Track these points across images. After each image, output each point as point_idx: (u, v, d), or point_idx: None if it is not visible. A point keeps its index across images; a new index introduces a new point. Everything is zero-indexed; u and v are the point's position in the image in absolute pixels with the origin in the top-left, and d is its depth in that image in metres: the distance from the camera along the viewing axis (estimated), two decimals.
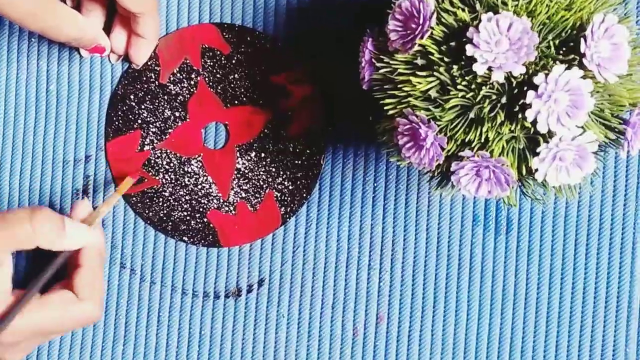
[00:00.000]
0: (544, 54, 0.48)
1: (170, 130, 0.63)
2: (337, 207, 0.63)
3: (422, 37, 0.49)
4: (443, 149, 0.49)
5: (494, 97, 0.48)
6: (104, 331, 0.64)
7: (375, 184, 0.62)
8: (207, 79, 0.63)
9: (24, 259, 0.64)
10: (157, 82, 0.63)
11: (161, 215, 0.63)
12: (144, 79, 0.63)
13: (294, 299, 0.63)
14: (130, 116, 0.63)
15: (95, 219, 0.58)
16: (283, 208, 0.63)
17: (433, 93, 0.49)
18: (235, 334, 0.63)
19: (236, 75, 0.63)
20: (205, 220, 0.63)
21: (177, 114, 0.63)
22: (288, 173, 0.63)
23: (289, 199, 0.63)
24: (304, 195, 0.63)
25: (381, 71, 0.51)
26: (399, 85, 0.50)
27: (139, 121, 0.63)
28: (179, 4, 0.63)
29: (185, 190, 0.63)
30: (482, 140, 0.49)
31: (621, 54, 0.48)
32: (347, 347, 0.62)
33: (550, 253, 0.61)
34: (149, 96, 0.63)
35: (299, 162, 0.63)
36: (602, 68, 0.48)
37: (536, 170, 0.49)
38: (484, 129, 0.48)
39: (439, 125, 0.49)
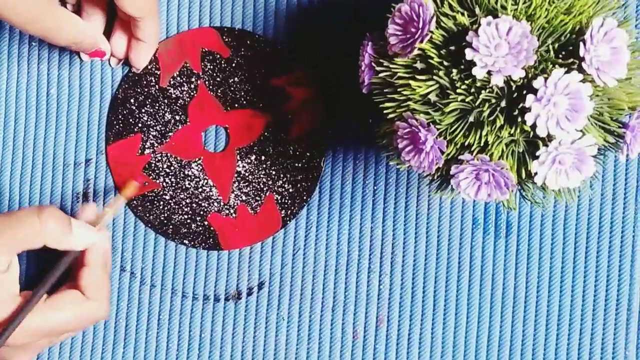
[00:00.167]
0: (543, 57, 0.48)
1: (170, 134, 0.63)
2: (337, 210, 0.63)
3: (421, 41, 0.49)
4: (442, 153, 0.49)
5: (493, 100, 0.48)
6: (104, 334, 0.64)
7: (375, 187, 0.62)
8: (207, 82, 0.63)
9: (32, 261, 0.64)
10: (157, 86, 0.63)
11: (162, 218, 0.63)
12: (144, 82, 0.63)
13: (294, 301, 0.63)
14: (131, 120, 0.63)
15: (101, 221, 0.59)
16: (283, 211, 0.63)
17: (433, 97, 0.49)
18: (235, 336, 0.63)
19: (236, 79, 0.63)
20: (205, 223, 0.63)
21: (177, 117, 0.63)
22: (288, 176, 0.63)
23: (289, 201, 0.63)
24: (304, 198, 0.63)
25: (381, 75, 0.51)
26: (399, 89, 0.50)
27: (140, 125, 0.63)
28: (179, 8, 0.63)
29: (185, 194, 0.63)
30: (482, 143, 0.49)
31: (620, 58, 0.48)
32: (347, 350, 0.62)
33: (550, 256, 0.61)
34: (149, 100, 0.63)
35: (299, 165, 0.63)
36: (601, 72, 0.48)
37: (536, 173, 0.49)
38: (484, 133, 0.48)
39: (438, 129, 0.49)
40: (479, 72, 0.47)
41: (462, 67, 0.48)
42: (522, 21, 0.47)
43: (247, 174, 0.63)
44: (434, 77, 0.49)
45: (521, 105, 0.47)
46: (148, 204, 0.63)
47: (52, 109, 0.64)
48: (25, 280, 0.64)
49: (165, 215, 0.63)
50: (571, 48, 0.48)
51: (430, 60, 0.49)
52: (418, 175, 0.62)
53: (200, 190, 0.63)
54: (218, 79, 0.63)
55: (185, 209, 0.63)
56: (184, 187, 0.63)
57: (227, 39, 0.63)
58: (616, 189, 0.61)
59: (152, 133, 0.63)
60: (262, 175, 0.63)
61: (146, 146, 0.63)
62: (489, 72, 0.47)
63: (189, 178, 0.63)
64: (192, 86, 0.63)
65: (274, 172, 0.63)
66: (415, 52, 0.49)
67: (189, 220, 0.63)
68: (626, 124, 0.50)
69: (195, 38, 0.63)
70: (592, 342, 0.61)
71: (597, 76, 0.48)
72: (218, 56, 0.63)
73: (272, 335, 0.63)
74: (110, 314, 0.64)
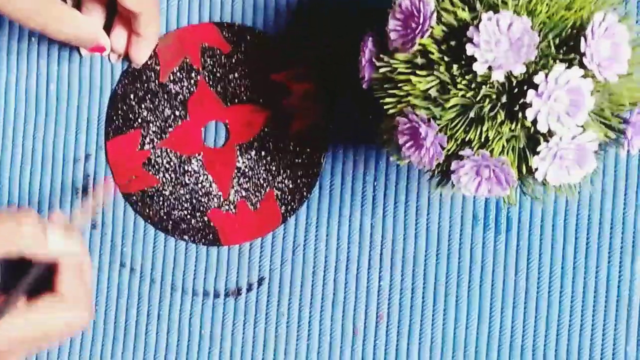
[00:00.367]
0: (544, 53, 0.48)
1: (170, 129, 0.63)
2: (337, 206, 0.63)
3: (422, 37, 0.49)
4: (443, 148, 0.49)
5: (494, 96, 0.48)
6: (103, 330, 0.64)
7: (375, 183, 0.62)
8: (207, 77, 0.63)
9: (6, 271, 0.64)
10: (157, 81, 0.63)
11: (161, 214, 0.63)
12: (144, 78, 0.63)
13: (294, 297, 0.63)
14: (131, 115, 0.63)
15: (74, 225, 0.58)
16: (283, 207, 0.63)
17: (433, 92, 0.49)
18: (235, 332, 0.63)
19: (236, 74, 0.63)
20: (205, 219, 0.63)
21: (177, 113, 0.63)
22: (288, 172, 0.63)
23: (290, 197, 0.63)
24: (305, 193, 0.63)
25: (381, 70, 0.51)
26: (399, 85, 0.50)
27: (139, 120, 0.63)
28: (178, 3, 0.63)
29: (185, 189, 0.63)
30: (482, 139, 0.49)
31: (621, 54, 0.48)
32: (347, 346, 0.62)
33: (550, 252, 0.61)
34: (149, 95, 0.63)
35: (300, 160, 0.63)
36: (602, 67, 0.48)
37: (536, 169, 0.49)
38: (484, 128, 0.48)
39: (439, 125, 0.49)
40: (479, 68, 0.47)
41: (463, 62, 0.48)
42: (523, 16, 0.47)
43: (247, 170, 0.63)
44: (435, 72, 0.49)
45: (522, 100, 0.47)
46: (148, 199, 0.63)
47: (51, 104, 0.64)
48: None
49: (165, 210, 0.63)
50: (572, 44, 0.48)
51: (431, 56, 0.49)
52: (418, 171, 0.62)
53: (200, 185, 0.63)
54: (218, 75, 0.63)
55: (185, 205, 0.63)
56: (183, 183, 0.63)
57: (227, 35, 0.63)
58: (617, 185, 0.61)
59: (151, 128, 0.63)
60: (262, 171, 0.63)
61: (146, 142, 0.63)
62: (490, 68, 0.47)
63: (189, 174, 0.63)
64: (192, 82, 0.63)
65: (274, 168, 0.63)
66: (416, 47, 0.49)
67: (188, 216, 0.63)
68: (627, 120, 0.50)
69: (195, 33, 0.63)
70: (593, 338, 0.61)
71: (598, 72, 0.47)
72: (218, 52, 0.63)
73: (272, 331, 0.63)
74: (109, 310, 0.64)
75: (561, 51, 0.48)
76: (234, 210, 0.63)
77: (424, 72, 0.49)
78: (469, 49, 0.47)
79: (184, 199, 0.63)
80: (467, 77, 0.48)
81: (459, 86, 0.48)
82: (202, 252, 0.63)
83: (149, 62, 0.63)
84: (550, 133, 0.48)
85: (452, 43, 0.49)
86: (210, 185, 0.63)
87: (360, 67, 0.53)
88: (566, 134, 0.48)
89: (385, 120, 0.53)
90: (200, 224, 0.63)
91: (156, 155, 0.63)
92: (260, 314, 0.63)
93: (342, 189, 0.62)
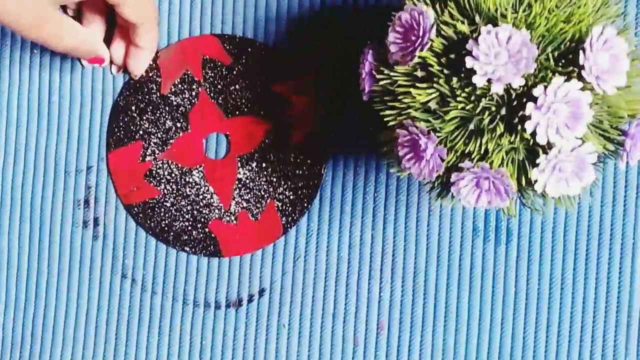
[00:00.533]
0: (543, 66, 0.48)
1: (171, 141, 0.63)
2: (337, 217, 0.63)
3: (421, 49, 0.49)
4: (443, 160, 0.49)
5: (493, 108, 0.48)
6: (105, 341, 0.64)
7: (375, 194, 0.62)
8: (208, 89, 0.63)
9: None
10: (158, 93, 0.63)
11: (163, 225, 0.63)
12: (145, 90, 0.63)
13: (295, 308, 0.63)
14: (132, 127, 0.64)
15: None
16: (284, 218, 0.63)
17: (433, 105, 0.49)
18: (236, 343, 0.63)
19: (237, 86, 0.63)
20: (206, 230, 0.63)
21: (178, 124, 0.63)
22: (289, 183, 0.63)
23: (290, 208, 0.63)
24: (305, 205, 0.63)
25: (381, 83, 0.51)
26: (399, 97, 0.50)
27: (141, 132, 0.63)
28: (180, 15, 0.63)
29: (186, 201, 0.63)
30: (482, 151, 0.49)
31: (620, 66, 0.48)
32: (347, 357, 0.62)
33: (550, 263, 0.61)
34: (151, 107, 0.63)
35: (300, 172, 0.63)
36: (600, 80, 0.48)
37: (536, 181, 0.49)
38: (484, 140, 0.49)
39: (438, 137, 0.49)
40: (479, 80, 0.47)
41: (462, 75, 0.48)
42: (522, 29, 0.47)
43: (248, 181, 0.63)
44: (434, 85, 0.49)
45: (521, 113, 0.47)
46: (149, 211, 0.63)
47: (53, 116, 0.64)
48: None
49: (167, 222, 0.63)
50: (571, 56, 0.48)
51: (431, 68, 0.49)
52: (418, 183, 0.62)
53: (201, 197, 0.63)
54: (219, 87, 0.63)
55: (186, 216, 0.63)
56: (185, 194, 0.63)
57: (228, 47, 0.63)
58: (616, 196, 0.61)
59: (153, 140, 0.63)
60: (263, 182, 0.63)
61: (147, 153, 0.63)
62: (489, 80, 0.47)
63: (190, 185, 0.63)
64: (193, 93, 0.63)
65: (274, 179, 0.63)
66: (416, 60, 0.49)
67: (190, 227, 0.63)
68: (626, 132, 0.50)
69: (196, 45, 0.63)
70: (593, 351, 0.61)
71: (596, 84, 0.48)
72: (219, 63, 0.63)
73: (273, 342, 0.63)
74: (110, 321, 0.64)
75: (560, 64, 0.48)
76: (234, 222, 0.63)
77: (423, 85, 0.49)
78: (469, 62, 0.47)
79: (185, 210, 0.63)
80: (466, 89, 0.48)
81: (459, 99, 0.48)
82: (203, 263, 0.63)
83: (150, 74, 0.63)
84: (550, 145, 0.48)
85: (452, 56, 0.49)
86: (211, 197, 0.63)
87: (360, 80, 0.53)
88: (565, 146, 0.48)
89: (385, 132, 0.53)
90: (201, 235, 0.63)
91: (157, 166, 0.63)
92: (261, 325, 0.63)
93: (343, 200, 0.63)
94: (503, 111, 0.48)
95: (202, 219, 0.63)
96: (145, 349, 0.64)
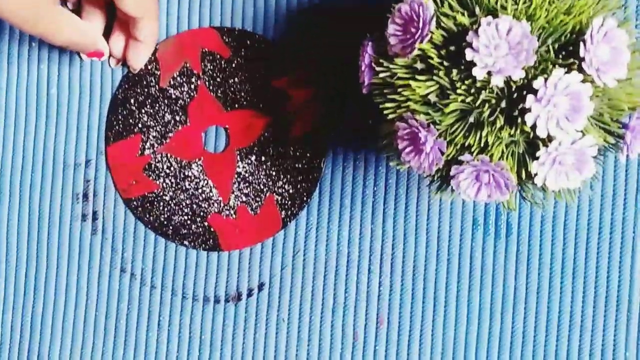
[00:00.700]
0: (543, 58, 0.48)
1: (170, 135, 0.63)
2: (337, 211, 0.63)
3: (421, 41, 0.49)
4: (443, 153, 0.49)
5: (493, 101, 0.48)
6: (104, 335, 0.64)
7: (375, 188, 0.62)
8: (207, 82, 0.63)
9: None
10: (157, 86, 0.63)
11: (162, 219, 0.63)
12: (144, 83, 0.63)
13: (294, 302, 0.63)
14: (131, 120, 0.63)
15: None
16: (283, 212, 0.63)
17: (432, 97, 0.49)
18: (235, 338, 0.63)
19: (236, 79, 0.63)
20: (205, 224, 0.63)
21: (177, 118, 0.63)
22: (289, 177, 0.63)
23: (290, 202, 0.63)
24: (305, 199, 0.63)
25: (381, 75, 0.51)
26: (399, 90, 0.50)
27: (139, 125, 0.63)
28: (179, 8, 0.63)
29: (185, 195, 0.63)
30: (482, 144, 0.49)
31: (620, 58, 0.48)
32: (347, 351, 0.62)
33: (550, 257, 0.61)
34: (149, 100, 0.63)
35: (300, 165, 0.63)
36: (601, 72, 0.47)
37: (536, 174, 0.49)
38: (484, 133, 0.48)
39: (438, 130, 0.49)
40: (479, 73, 0.47)
41: (462, 67, 0.48)
42: (522, 21, 0.47)
43: (247, 175, 0.63)
44: (434, 77, 0.49)
45: (521, 105, 0.47)
46: (148, 204, 0.63)
47: (52, 109, 0.64)
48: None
49: (166, 216, 0.63)
50: (571, 48, 0.48)
51: (430, 61, 0.49)
52: (418, 176, 0.62)
53: (200, 191, 0.63)
54: (218, 80, 0.63)
55: (185, 210, 0.63)
56: (184, 188, 0.63)
57: (227, 39, 0.63)
58: (616, 190, 0.61)
59: (152, 134, 0.63)
60: (262, 176, 0.63)
61: (146, 147, 0.63)
62: (489, 73, 0.47)
63: (189, 179, 0.63)
64: (192, 86, 0.63)
65: (274, 173, 0.63)
66: (415, 52, 0.49)
67: (189, 221, 0.63)
68: (626, 125, 0.50)
69: (195, 38, 0.63)
70: (592, 343, 0.61)
71: (597, 76, 0.47)
72: (218, 56, 0.63)
73: (272, 336, 0.63)
74: (110, 315, 0.64)
75: (560, 56, 0.48)
76: (234, 216, 0.63)
77: (423, 77, 0.49)
78: (468, 54, 0.47)
79: (184, 204, 0.63)
80: (466, 82, 0.48)
81: (459, 91, 0.48)
82: (202, 258, 0.63)
83: (149, 67, 0.63)
84: (550, 138, 0.48)
85: (452, 48, 0.49)
86: (211, 191, 0.63)
87: (360, 72, 0.53)
88: (565, 139, 0.48)
89: (385, 125, 0.53)
90: (200, 229, 0.63)
91: (156, 160, 0.63)
92: (260, 319, 0.63)
93: (342, 194, 0.62)
94: (503, 104, 0.48)
95: (201, 213, 0.63)
96: (144, 343, 0.64)
